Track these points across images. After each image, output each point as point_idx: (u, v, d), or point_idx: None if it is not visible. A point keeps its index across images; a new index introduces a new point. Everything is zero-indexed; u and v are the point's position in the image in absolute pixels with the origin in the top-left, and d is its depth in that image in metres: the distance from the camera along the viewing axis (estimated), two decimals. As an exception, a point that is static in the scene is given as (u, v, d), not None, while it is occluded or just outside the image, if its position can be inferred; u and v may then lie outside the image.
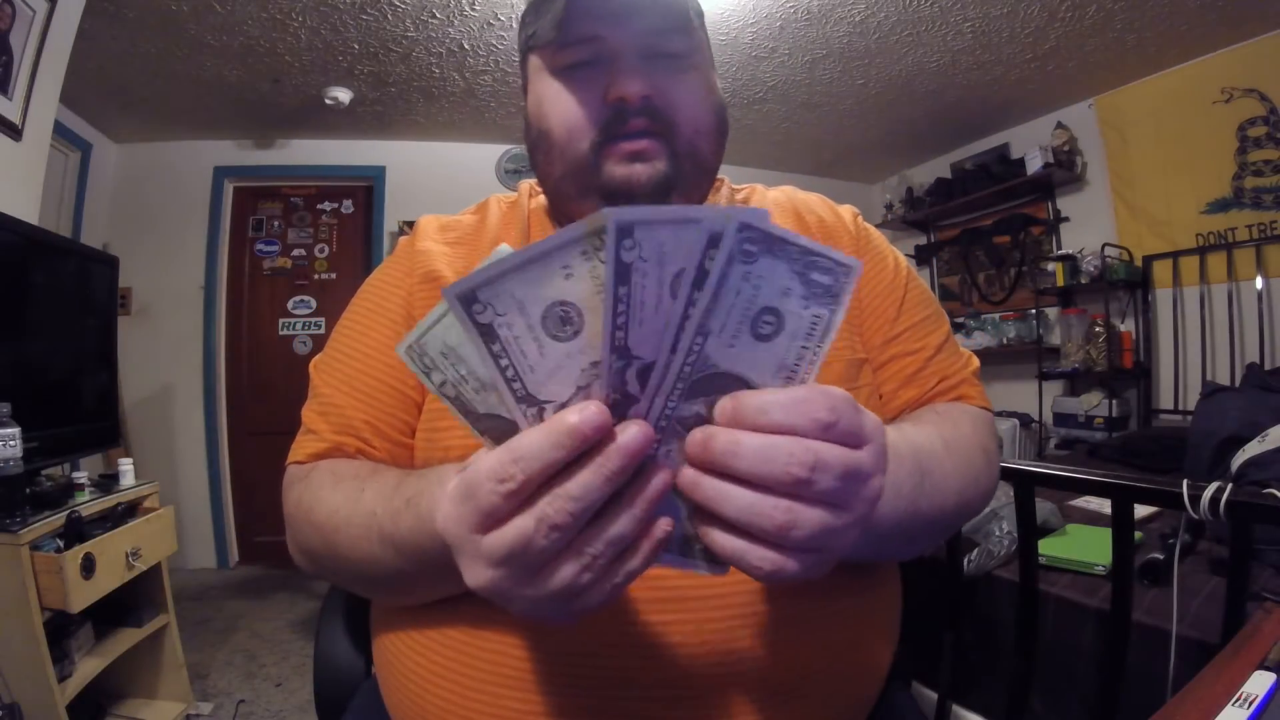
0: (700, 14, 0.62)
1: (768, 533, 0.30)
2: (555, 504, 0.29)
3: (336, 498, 0.50)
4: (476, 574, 0.32)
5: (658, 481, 0.31)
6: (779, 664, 0.49)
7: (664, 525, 0.32)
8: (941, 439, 0.52)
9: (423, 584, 0.48)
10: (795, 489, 0.30)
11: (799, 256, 0.29)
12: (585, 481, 0.29)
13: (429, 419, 0.57)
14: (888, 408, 0.61)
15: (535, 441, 0.29)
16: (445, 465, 0.47)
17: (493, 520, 0.30)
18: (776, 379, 0.31)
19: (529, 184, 0.70)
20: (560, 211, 0.64)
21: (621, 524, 0.30)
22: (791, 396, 0.31)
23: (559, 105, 0.57)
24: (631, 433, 0.29)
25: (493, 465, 0.30)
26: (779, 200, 0.69)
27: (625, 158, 0.56)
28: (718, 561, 0.33)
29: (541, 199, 0.69)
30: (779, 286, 0.29)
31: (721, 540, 0.32)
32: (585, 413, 0.29)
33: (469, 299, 0.29)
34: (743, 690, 0.48)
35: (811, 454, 0.30)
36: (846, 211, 0.69)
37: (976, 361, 0.66)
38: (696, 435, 0.31)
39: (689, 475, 0.31)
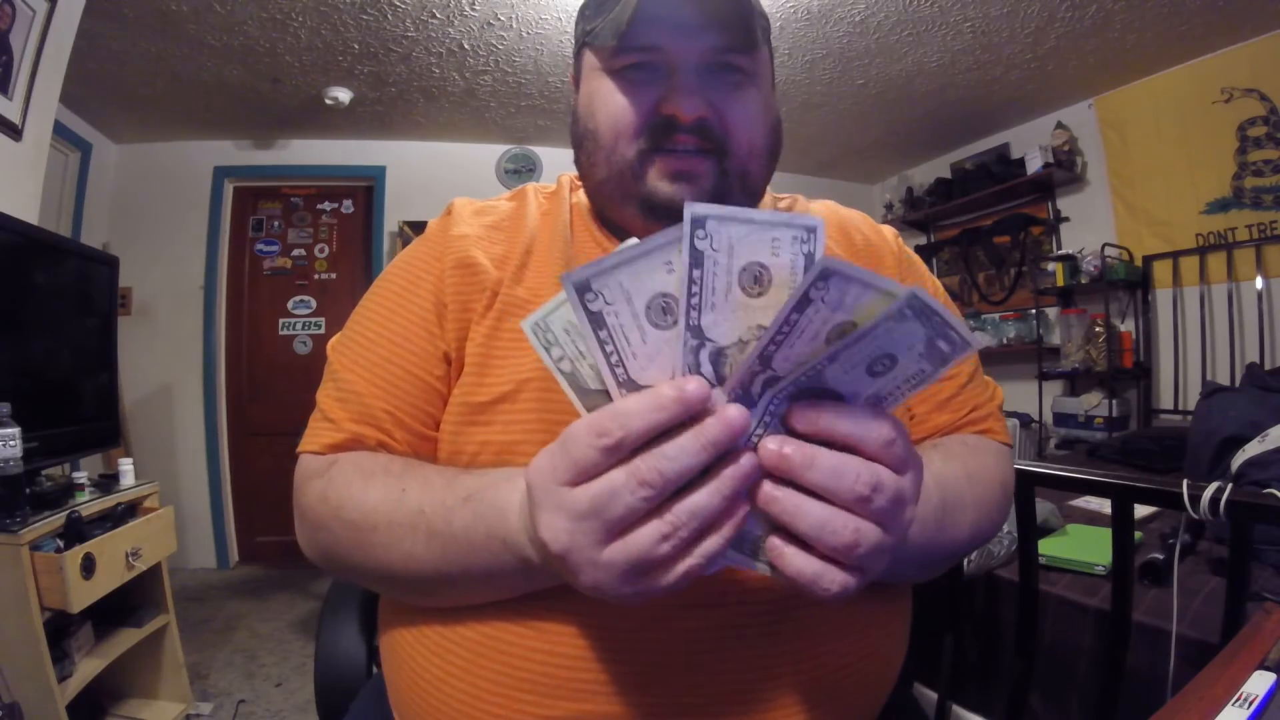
0: (767, 30, 0.60)
1: (836, 549, 0.32)
2: (649, 460, 0.31)
3: (371, 495, 0.49)
4: (554, 527, 0.33)
5: (746, 462, 0.32)
6: (803, 670, 0.48)
7: (743, 509, 0.33)
8: (966, 473, 0.54)
9: (460, 586, 0.47)
10: (855, 505, 0.32)
11: (940, 326, 0.32)
12: (682, 444, 0.31)
13: (456, 412, 0.54)
14: (920, 428, 0.61)
15: (639, 401, 0.32)
16: (508, 467, 0.47)
17: (584, 474, 0.32)
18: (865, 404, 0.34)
19: (569, 177, 0.69)
20: (600, 212, 0.63)
21: (707, 495, 0.32)
22: (863, 413, 0.33)
23: (609, 106, 0.55)
24: (733, 410, 0.32)
25: (593, 421, 0.32)
26: (823, 214, 0.69)
27: (671, 175, 0.54)
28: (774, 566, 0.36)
29: (584, 194, 0.67)
30: (908, 342, 0.32)
31: (800, 562, 0.33)
32: (689, 382, 0.32)
33: (583, 288, 0.32)
34: (766, 696, 0.47)
35: (874, 475, 0.32)
36: (888, 232, 0.69)
37: (1001, 394, 0.66)
38: (770, 444, 0.32)
39: (766, 489, 0.33)
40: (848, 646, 0.50)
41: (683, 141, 0.54)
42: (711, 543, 0.33)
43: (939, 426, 0.61)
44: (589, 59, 0.58)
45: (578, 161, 0.61)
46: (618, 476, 0.31)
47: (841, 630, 0.50)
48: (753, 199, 0.61)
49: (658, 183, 0.55)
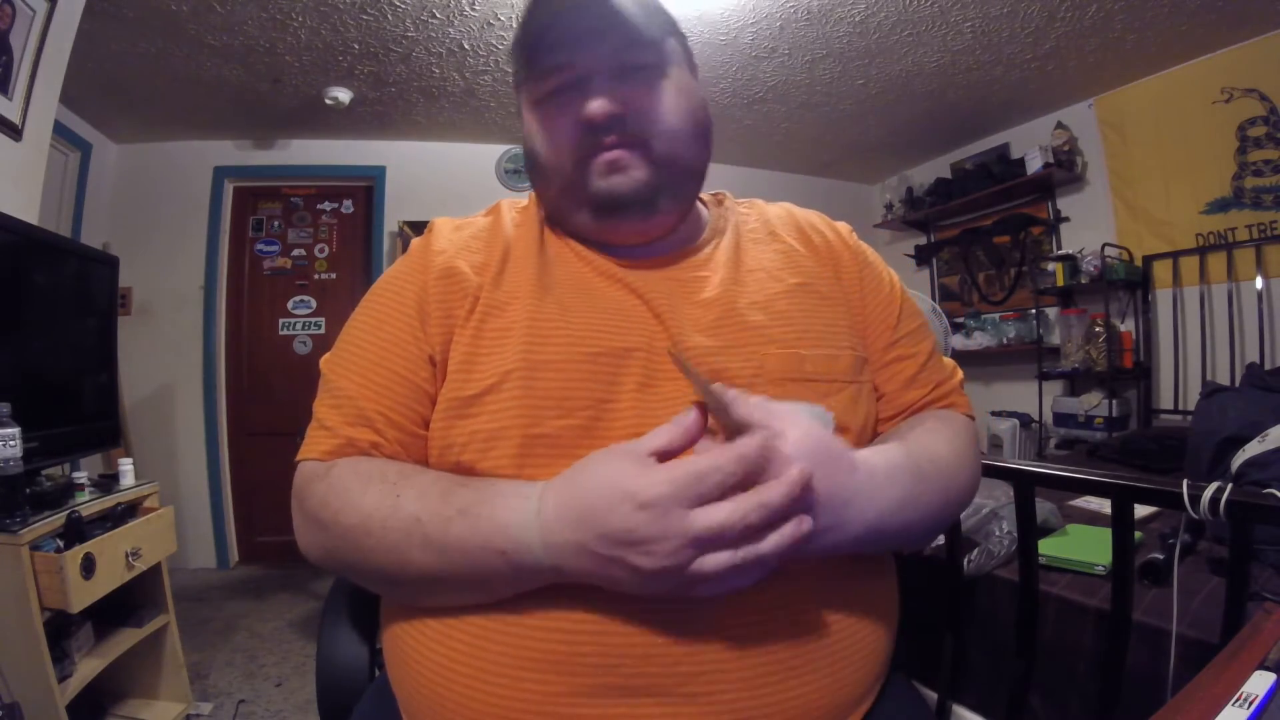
0: (671, 22, 0.65)
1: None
2: (752, 507, 0.42)
3: (368, 501, 0.52)
4: (677, 554, 0.42)
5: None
6: (798, 641, 0.51)
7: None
8: (947, 443, 0.61)
9: (453, 588, 0.51)
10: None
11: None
12: (769, 499, 0.43)
13: (445, 409, 0.57)
14: (893, 404, 0.67)
15: (727, 453, 0.44)
16: (500, 481, 0.52)
17: (702, 501, 0.43)
18: None
19: None
20: (562, 224, 0.68)
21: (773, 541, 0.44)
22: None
23: (544, 132, 0.63)
24: (795, 472, 0.44)
25: (715, 463, 0.43)
26: (781, 216, 0.75)
27: (604, 171, 0.61)
28: None
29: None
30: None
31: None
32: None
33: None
34: (764, 668, 0.50)
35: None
36: (843, 228, 0.75)
37: (961, 372, 0.73)
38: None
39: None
40: (839, 623, 0.54)
41: (606, 143, 0.60)
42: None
43: (910, 403, 0.67)
44: (523, 96, 0.66)
45: (533, 184, 0.68)
46: (731, 512, 0.42)
47: (831, 605, 0.54)
48: (694, 177, 0.67)
49: (597, 182, 0.61)
